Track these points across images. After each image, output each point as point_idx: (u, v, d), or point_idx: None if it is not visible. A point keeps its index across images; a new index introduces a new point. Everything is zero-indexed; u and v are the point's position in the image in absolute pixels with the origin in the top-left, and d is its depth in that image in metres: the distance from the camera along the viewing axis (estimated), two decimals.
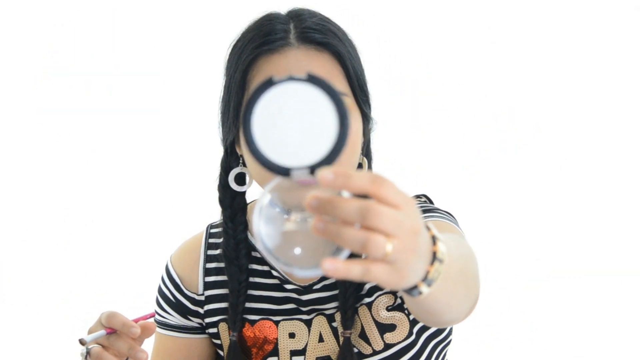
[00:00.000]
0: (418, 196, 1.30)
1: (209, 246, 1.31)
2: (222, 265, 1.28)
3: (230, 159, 1.26)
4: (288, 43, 1.15)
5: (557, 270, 2.66)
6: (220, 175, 1.29)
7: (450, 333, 1.31)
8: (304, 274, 0.75)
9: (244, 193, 1.27)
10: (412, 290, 0.81)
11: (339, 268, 0.71)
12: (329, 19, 1.21)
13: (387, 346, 1.23)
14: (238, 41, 1.21)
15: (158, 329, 1.34)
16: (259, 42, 1.16)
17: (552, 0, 2.76)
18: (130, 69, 2.75)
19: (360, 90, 1.18)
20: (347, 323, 1.21)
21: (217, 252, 1.29)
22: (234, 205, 1.27)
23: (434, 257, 0.79)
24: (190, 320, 1.32)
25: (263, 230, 0.75)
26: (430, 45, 2.75)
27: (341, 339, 1.22)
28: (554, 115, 2.74)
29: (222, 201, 1.29)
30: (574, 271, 2.66)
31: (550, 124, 2.74)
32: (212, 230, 1.34)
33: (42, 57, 2.74)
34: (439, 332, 1.29)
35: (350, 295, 1.21)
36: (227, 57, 1.22)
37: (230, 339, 1.24)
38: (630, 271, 2.67)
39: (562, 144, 2.73)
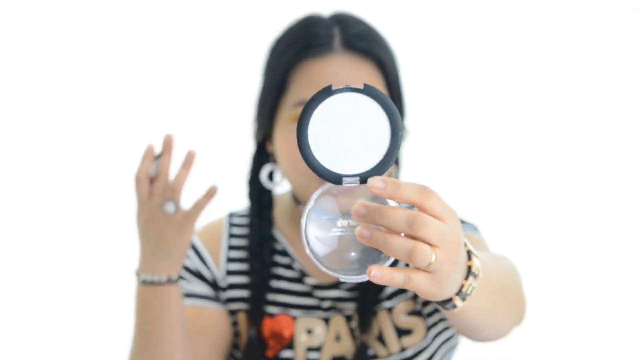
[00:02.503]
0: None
1: (231, 234, 1.31)
2: (244, 255, 1.28)
3: (261, 155, 1.28)
4: (332, 49, 1.15)
5: (557, 270, 2.66)
6: (251, 170, 1.30)
7: (457, 337, 1.32)
8: (348, 280, 0.77)
9: (271, 190, 1.29)
10: (447, 303, 0.83)
11: (384, 275, 0.73)
12: (373, 27, 1.21)
13: (403, 349, 1.25)
14: (279, 42, 1.21)
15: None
16: (302, 45, 1.16)
17: (552, 1, 2.76)
18: (129, 70, 2.76)
19: (398, 100, 1.19)
20: (365, 326, 1.22)
21: (240, 242, 1.29)
22: (261, 200, 1.28)
23: (469, 271, 0.82)
24: (215, 292, 1.30)
25: (310, 235, 0.77)
26: (429, 45, 2.75)
27: (358, 341, 1.23)
28: (553, 115, 2.74)
29: (250, 195, 1.29)
30: (576, 271, 2.66)
31: (550, 124, 2.74)
32: (235, 220, 1.34)
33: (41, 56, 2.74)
34: (452, 338, 1.30)
35: (369, 299, 1.22)
36: (267, 57, 1.23)
37: (248, 335, 1.24)
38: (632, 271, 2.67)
39: (562, 145, 2.73)
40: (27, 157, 2.74)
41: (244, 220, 1.32)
